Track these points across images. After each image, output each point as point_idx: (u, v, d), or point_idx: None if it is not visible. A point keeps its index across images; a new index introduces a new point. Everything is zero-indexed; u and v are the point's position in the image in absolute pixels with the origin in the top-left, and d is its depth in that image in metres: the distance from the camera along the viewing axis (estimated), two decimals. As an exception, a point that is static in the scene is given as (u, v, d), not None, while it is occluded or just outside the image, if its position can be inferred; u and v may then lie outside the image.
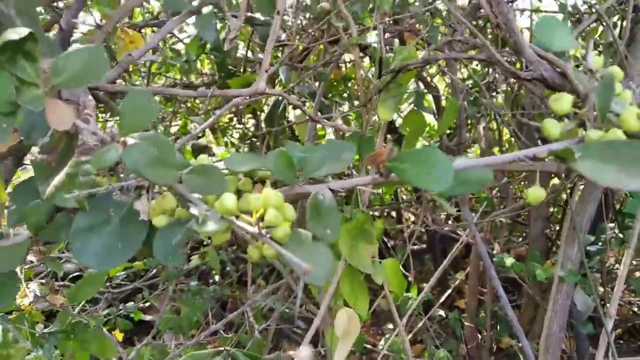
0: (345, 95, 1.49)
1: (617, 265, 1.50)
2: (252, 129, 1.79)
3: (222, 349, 0.96)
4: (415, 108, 0.88)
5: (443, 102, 1.50)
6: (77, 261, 0.48)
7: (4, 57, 0.40)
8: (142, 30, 1.28)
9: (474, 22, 1.15)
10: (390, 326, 1.96)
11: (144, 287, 1.56)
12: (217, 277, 1.84)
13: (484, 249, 1.21)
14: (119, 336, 1.22)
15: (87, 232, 0.48)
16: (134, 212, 0.50)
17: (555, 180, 1.49)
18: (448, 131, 1.41)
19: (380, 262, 0.91)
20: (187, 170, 0.42)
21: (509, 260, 1.28)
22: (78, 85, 0.44)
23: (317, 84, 1.48)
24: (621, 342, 1.75)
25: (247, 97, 0.74)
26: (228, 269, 1.62)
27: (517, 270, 1.31)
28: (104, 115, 1.56)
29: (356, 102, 1.46)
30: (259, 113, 1.63)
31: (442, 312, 1.48)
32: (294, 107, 1.16)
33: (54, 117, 0.42)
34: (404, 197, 2.02)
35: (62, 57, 0.43)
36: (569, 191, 1.13)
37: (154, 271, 1.64)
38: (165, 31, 0.72)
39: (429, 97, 1.46)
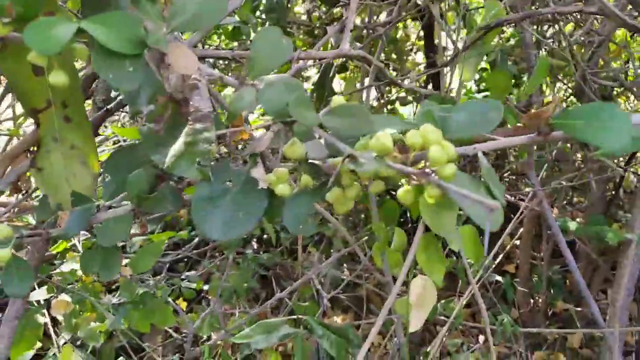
0: (394, 56, 1.44)
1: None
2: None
3: (293, 317, 0.96)
4: (499, 67, 0.84)
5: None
6: (200, 230, 0.46)
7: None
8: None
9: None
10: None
11: (192, 256, 1.56)
12: (255, 245, 1.85)
13: (551, 214, 1.18)
14: (183, 305, 1.23)
15: (207, 203, 0.46)
16: (253, 181, 0.48)
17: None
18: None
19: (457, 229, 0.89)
20: (324, 111, 0.39)
21: (573, 224, 1.25)
22: (197, 27, 0.41)
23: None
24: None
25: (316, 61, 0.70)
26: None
27: (580, 234, 1.28)
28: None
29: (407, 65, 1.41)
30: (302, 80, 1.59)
31: (498, 277, 1.46)
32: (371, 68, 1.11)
33: (178, 60, 0.39)
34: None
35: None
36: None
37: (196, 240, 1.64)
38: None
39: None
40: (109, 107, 0.77)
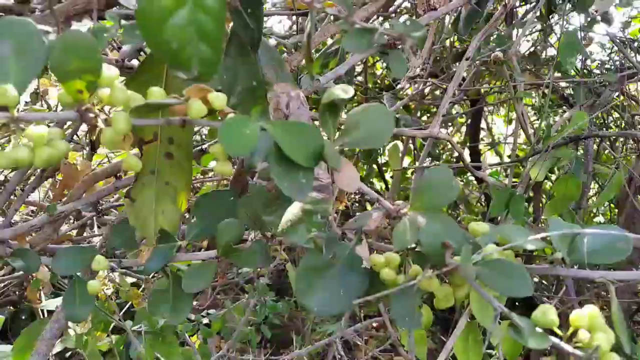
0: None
1: None
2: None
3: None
4: (572, 172, 0.84)
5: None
6: (300, 301, 0.45)
7: (329, 113, 0.39)
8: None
9: None
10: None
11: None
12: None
13: None
14: (195, 340, 1.20)
15: (312, 273, 0.46)
16: (357, 258, 0.47)
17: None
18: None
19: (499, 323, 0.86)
20: (479, 259, 0.39)
21: None
22: (366, 145, 0.42)
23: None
24: None
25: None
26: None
27: None
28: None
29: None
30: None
31: None
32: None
33: (343, 178, 0.40)
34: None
35: (354, 114, 0.41)
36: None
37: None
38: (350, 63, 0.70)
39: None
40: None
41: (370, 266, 0.47)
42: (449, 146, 1.68)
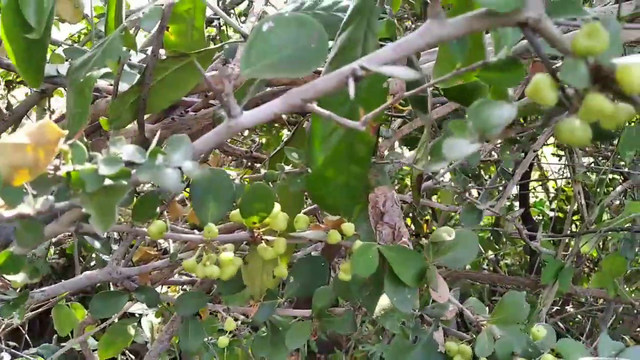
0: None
1: None
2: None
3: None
4: (620, 252, 0.92)
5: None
6: (386, 376, 0.57)
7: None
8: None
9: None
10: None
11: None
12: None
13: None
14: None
15: (398, 354, 0.57)
16: (434, 342, 0.58)
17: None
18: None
19: None
20: None
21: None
22: (454, 265, 0.52)
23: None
24: None
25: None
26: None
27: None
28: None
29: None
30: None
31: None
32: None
33: (438, 293, 0.50)
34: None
35: (451, 239, 0.52)
36: None
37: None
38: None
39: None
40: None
41: (445, 351, 0.58)
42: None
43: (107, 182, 0.31)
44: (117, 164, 0.31)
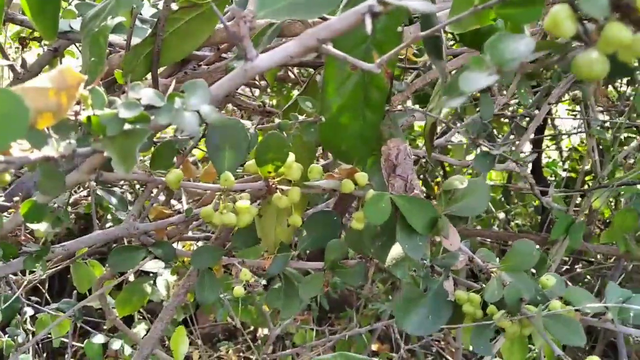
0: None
1: None
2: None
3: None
4: (630, 207, 0.92)
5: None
6: (398, 323, 0.58)
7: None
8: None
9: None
10: None
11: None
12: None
13: None
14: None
15: (409, 303, 0.58)
16: (444, 291, 0.60)
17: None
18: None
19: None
20: (546, 312, 0.50)
21: None
22: (465, 214, 0.53)
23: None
24: None
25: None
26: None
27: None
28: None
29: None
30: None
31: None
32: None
33: (448, 240, 0.51)
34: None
35: (462, 187, 0.52)
36: None
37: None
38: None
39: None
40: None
41: (454, 299, 0.59)
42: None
43: (127, 126, 0.32)
44: (137, 108, 0.32)
